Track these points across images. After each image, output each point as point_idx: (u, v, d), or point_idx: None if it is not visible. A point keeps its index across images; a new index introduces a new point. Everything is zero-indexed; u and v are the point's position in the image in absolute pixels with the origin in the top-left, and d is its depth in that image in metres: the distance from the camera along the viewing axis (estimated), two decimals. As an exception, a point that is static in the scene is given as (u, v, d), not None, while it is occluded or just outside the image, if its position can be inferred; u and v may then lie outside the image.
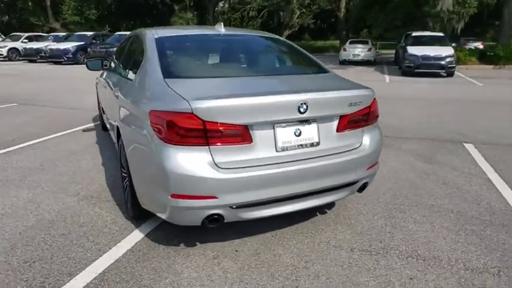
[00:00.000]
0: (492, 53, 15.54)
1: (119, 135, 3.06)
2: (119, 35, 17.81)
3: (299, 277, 2.24)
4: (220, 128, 2.07)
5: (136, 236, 2.67)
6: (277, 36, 3.62)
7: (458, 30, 17.66)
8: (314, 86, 2.46)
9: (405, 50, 13.19)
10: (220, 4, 38.51)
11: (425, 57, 12.49)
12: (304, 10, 36.83)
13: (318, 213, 3.04)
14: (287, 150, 2.26)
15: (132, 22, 40.86)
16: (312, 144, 2.33)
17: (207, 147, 2.08)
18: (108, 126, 4.33)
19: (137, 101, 2.48)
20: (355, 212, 3.07)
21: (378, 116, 2.68)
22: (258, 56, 3.22)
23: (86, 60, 4.42)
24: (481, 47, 20.99)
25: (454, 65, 12.52)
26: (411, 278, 2.24)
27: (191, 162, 2.06)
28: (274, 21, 43.43)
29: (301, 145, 2.30)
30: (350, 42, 18.76)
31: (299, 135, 2.28)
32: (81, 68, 16.01)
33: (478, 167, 4.10)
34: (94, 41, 17.98)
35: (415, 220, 2.94)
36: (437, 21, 15.91)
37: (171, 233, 2.69)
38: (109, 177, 3.75)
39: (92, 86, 6.42)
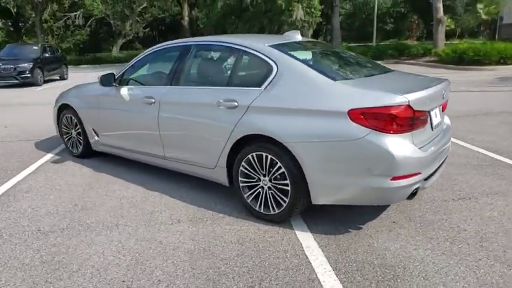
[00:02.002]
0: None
1: (237, 148, 2.96)
2: None
3: (459, 222, 2.87)
4: (420, 116, 2.50)
5: (308, 234, 2.76)
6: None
7: (309, 36, 20.93)
8: (437, 79, 3.08)
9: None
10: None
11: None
12: (137, 19, 35.92)
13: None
14: (434, 129, 2.85)
15: None
16: (439, 124, 2.98)
17: (411, 132, 2.48)
18: (136, 147, 3.85)
19: (308, 105, 2.59)
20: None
21: None
22: (352, 59, 3.59)
23: (100, 75, 3.81)
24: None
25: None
26: (518, 205, 3.18)
27: (406, 146, 2.43)
28: (104, 29, 40.70)
29: (437, 124, 2.92)
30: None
31: (436, 116, 2.90)
32: None
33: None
34: None
35: (460, 173, 3.90)
36: (293, 28, 18.45)
37: (325, 223, 2.89)
38: (190, 199, 3.42)
39: None
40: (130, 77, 3.93)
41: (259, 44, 3.06)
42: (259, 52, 2.99)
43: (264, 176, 2.88)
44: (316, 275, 2.29)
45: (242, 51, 3.10)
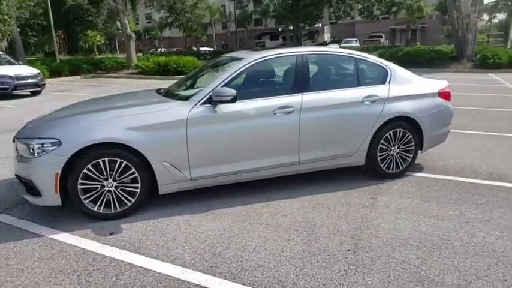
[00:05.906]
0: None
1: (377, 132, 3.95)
2: None
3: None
4: (447, 92, 4.69)
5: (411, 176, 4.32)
6: None
7: (5, 48, 15.40)
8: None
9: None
10: None
11: (21, 77, 11.51)
12: None
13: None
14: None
15: None
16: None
17: (448, 98, 4.64)
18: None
19: (420, 91, 4.13)
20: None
21: None
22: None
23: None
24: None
25: (44, 82, 12.57)
26: None
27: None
28: None
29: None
30: None
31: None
32: None
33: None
34: None
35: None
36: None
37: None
38: (323, 190, 3.81)
39: None
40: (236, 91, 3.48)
41: (364, 53, 4.13)
42: (373, 59, 4.09)
43: (393, 146, 4.11)
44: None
45: (358, 59, 4.02)
